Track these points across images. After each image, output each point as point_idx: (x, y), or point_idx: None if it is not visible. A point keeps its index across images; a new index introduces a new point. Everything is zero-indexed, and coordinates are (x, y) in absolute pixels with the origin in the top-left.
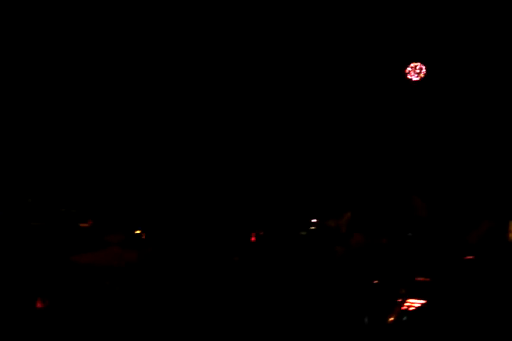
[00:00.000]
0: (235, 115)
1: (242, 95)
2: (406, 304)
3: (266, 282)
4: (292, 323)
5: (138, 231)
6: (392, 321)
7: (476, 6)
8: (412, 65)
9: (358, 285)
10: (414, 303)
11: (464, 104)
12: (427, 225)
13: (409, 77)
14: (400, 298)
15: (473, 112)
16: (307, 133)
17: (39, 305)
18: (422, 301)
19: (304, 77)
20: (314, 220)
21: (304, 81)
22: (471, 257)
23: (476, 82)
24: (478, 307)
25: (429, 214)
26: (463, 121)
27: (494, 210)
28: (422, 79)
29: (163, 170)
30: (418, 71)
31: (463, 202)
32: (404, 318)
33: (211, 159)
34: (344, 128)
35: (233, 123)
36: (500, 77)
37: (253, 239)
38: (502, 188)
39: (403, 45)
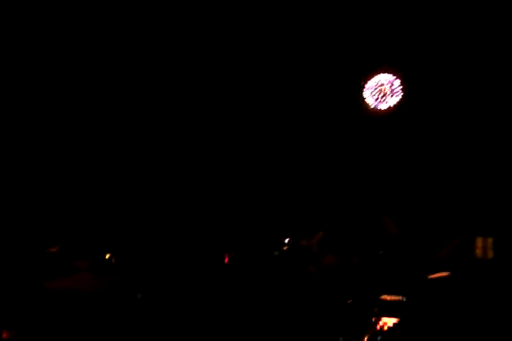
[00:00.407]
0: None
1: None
2: (379, 323)
3: (240, 303)
4: None
5: (107, 256)
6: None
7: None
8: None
9: (331, 304)
10: (387, 322)
11: (435, 122)
12: (397, 243)
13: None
14: (373, 317)
15: (440, 128)
16: (280, 150)
17: (4, 335)
18: (395, 320)
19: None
20: (286, 240)
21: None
22: (441, 274)
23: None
24: (450, 323)
25: (399, 232)
26: (428, 139)
27: (461, 227)
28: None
29: (131, 191)
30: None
31: (431, 219)
32: (379, 338)
33: (181, 176)
34: (315, 147)
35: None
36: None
37: (226, 260)
38: (468, 205)
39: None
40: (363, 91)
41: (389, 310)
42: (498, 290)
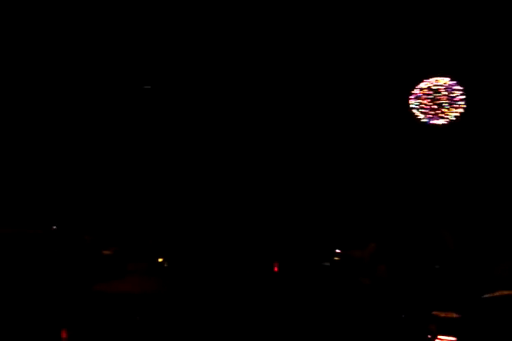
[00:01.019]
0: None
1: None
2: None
3: (291, 313)
4: None
5: (160, 260)
6: None
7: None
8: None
9: (385, 318)
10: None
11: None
12: (454, 257)
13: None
14: (429, 335)
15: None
16: (333, 160)
17: (63, 335)
18: (452, 339)
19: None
20: (338, 251)
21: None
22: (502, 292)
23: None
24: None
25: (457, 247)
26: (490, 153)
27: None
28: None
29: (186, 199)
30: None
31: (489, 235)
32: None
33: (235, 186)
34: (371, 158)
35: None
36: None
37: (276, 269)
38: None
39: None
40: (409, 101)
41: (444, 328)
42: None
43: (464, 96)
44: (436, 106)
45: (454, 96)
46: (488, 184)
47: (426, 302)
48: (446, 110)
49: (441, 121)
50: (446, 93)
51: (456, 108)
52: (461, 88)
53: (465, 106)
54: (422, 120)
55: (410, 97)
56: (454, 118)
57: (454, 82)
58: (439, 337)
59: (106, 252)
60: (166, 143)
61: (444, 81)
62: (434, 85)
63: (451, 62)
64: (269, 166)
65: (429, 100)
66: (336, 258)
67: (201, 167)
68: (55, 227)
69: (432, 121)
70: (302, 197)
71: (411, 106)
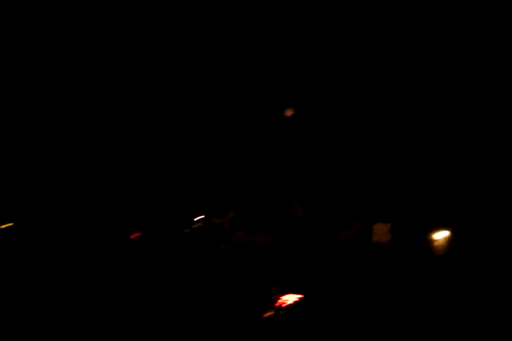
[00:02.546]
0: None
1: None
2: (283, 299)
3: (148, 282)
4: (172, 321)
5: None
6: (268, 316)
7: None
8: None
9: (237, 282)
10: (290, 298)
11: None
12: (303, 224)
13: None
14: (276, 295)
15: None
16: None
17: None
18: (299, 296)
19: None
20: (198, 218)
21: None
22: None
23: None
24: (353, 298)
25: (306, 215)
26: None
27: (364, 212)
28: None
29: None
30: None
31: (337, 203)
32: (281, 313)
33: None
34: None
35: None
36: None
37: (132, 236)
38: (374, 190)
39: None
40: None
41: (293, 288)
42: (393, 274)
43: None
44: None
45: None
46: (333, 155)
47: (278, 267)
48: None
49: None
50: None
51: None
52: None
53: None
54: None
55: None
56: None
57: None
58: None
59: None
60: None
61: None
62: None
63: None
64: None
65: None
66: (195, 226)
67: None
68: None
69: None
70: (158, 163)
71: None
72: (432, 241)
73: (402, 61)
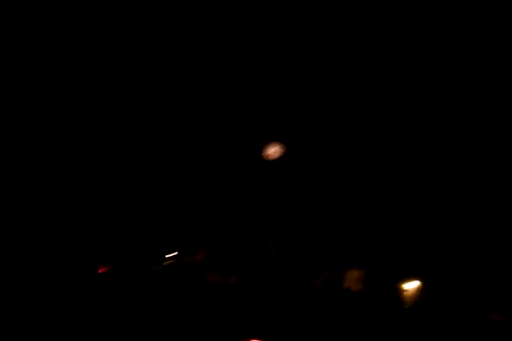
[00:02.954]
0: None
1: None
2: None
3: (112, 319)
4: None
5: None
6: None
7: None
8: None
9: (206, 324)
10: None
11: None
12: (277, 265)
13: None
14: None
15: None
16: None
17: None
18: None
19: None
20: (168, 255)
21: None
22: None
23: None
24: None
25: (280, 255)
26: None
27: (336, 258)
28: None
29: None
30: None
31: (312, 246)
32: None
33: None
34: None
35: None
36: None
37: (100, 270)
38: (341, 237)
39: None
40: None
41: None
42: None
43: None
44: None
45: None
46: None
47: (249, 309)
48: None
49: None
50: None
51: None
52: None
53: None
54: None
55: None
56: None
57: None
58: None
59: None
60: None
61: None
62: None
63: None
64: None
65: None
66: (165, 263)
67: None
68: None
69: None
70: (131, 197)
71: None
72: (403, 291)
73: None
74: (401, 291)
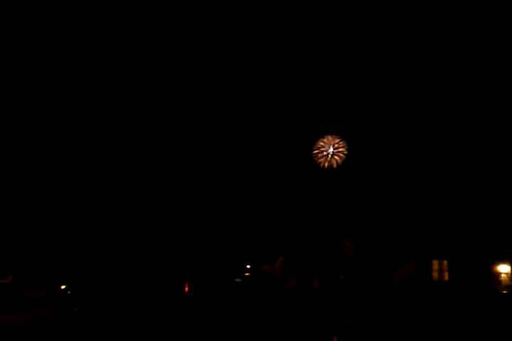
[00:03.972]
0: None
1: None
2: None
3: (203, 332)
4: None
5: (63, 287)
6: None
7: None
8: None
9: (293, 332)
10: None
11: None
12: (355, 266)
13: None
14: None
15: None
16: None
17: None
18: None
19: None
20: (248, 266)
21: None
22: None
23: None
24: None
25: (357, 256)
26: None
27: (416, 251)
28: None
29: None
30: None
31: (388, 243)
32: None
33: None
34: (270, 177)
35: None
36: None
37: (187, 289)
38: (424, 230)
39: None
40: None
41: (345, 335)
42: (455, 311)
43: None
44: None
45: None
46: (382, 195)
47: (331, 313)
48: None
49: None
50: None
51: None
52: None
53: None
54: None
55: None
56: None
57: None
58: None
59: (2, 280)
60: None
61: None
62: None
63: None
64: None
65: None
66: (246, 274)
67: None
68: None
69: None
70: (207, 216)
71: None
72: (499, 274)
73: None
74: (496, 274)
